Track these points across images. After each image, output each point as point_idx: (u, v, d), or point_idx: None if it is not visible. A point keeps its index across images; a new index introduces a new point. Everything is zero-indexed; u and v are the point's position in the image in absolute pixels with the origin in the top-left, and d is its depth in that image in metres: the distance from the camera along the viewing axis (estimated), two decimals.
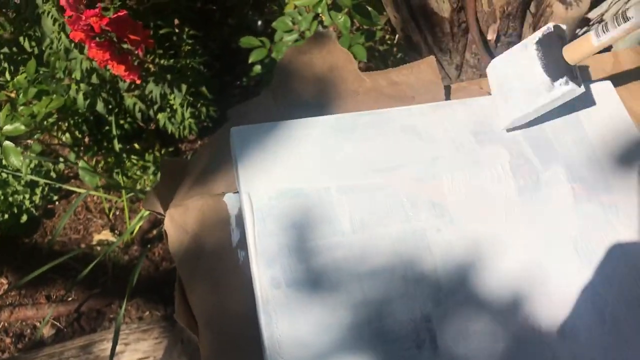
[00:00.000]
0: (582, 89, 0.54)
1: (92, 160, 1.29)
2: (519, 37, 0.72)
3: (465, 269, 0.50)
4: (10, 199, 1.25)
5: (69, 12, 0.82)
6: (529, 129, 0.58)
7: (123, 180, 1.27)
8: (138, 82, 0.96)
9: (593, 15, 0.73)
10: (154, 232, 1.29)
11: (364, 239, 0.50)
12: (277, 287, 0.47)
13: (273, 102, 0.60)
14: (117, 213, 1.31)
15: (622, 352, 0.48)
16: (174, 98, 1.13)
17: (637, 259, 0.52)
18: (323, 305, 0.47)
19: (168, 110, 1.17)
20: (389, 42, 1.23)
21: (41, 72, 1.04)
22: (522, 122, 0.56)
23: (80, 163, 1.21)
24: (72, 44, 0.97)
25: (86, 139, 1.27)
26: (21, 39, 1.09)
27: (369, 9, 0.91)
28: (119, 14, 0.84)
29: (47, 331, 1.17)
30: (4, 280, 1.24)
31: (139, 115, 1.16)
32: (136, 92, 1.12)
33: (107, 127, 1.25)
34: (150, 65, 1.04)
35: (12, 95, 1.07)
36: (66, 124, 1.19)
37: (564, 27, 0.55)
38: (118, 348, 1.02)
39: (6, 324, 1.18)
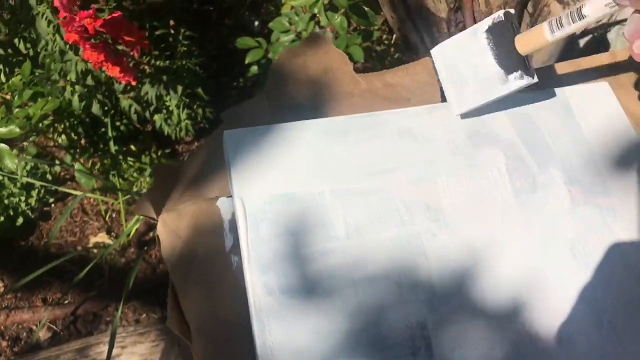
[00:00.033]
0: (535, 79, 0.53)
1: (88, 162, 1.28)
2: None
3: (460, 274, 0.50)
4: (6, 201, 1.25)
5: (62, 13, 0.82)
6: (526, 130, 0.57)
7: (119, 182, 1.26)
8: (133, 83, 0.96)
9: None
10: (151, 234, 1.28)
11: (359, 244, 0.50)
12: (271, 294, 0.46)
13: (267, 104, 0.60)
14: (114, 215, 1.30)
15: (620, 357, 0.47)
16: (170, 99, 1.13)
17: (635, 261, 0.52)
18: (317, 312, 0.46)
19: (164, 111, 1.17)
20: (386, 42, 1.23)
21: (36, 74, 1.04)
22: (475, 111, 0.57)
23: (76, 165, 1.20)
24: (67, 46, 0.97)
25: (82, 141, 1.26)
26: (16, 40, 1.08)
27: (366, 9, 0.91)
28: (114, 15, 0.84)
29: (43, 334, 1.17)
30: None
31: (134, 116, 1.15)
32: (132, 94, 1.11)
33: (103, 129, 1.24)
34: (146, 67, 1.03)
35: (7, 97, 1.07)
36: (62, 126, 1.19)
37: (513, 11, 0.54)
38: (115, 351, 1.02)
39: (2, 327, 1.18)
